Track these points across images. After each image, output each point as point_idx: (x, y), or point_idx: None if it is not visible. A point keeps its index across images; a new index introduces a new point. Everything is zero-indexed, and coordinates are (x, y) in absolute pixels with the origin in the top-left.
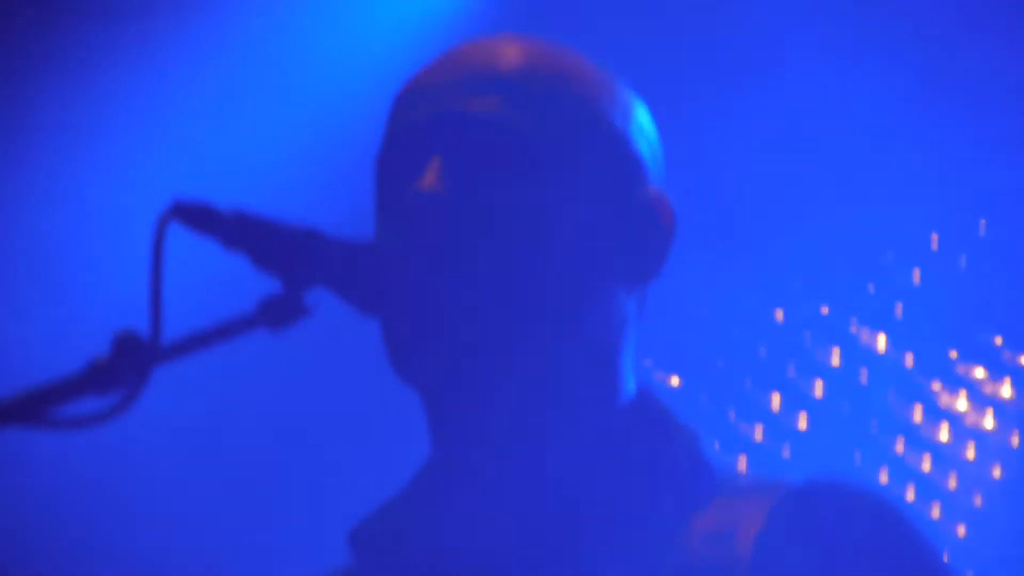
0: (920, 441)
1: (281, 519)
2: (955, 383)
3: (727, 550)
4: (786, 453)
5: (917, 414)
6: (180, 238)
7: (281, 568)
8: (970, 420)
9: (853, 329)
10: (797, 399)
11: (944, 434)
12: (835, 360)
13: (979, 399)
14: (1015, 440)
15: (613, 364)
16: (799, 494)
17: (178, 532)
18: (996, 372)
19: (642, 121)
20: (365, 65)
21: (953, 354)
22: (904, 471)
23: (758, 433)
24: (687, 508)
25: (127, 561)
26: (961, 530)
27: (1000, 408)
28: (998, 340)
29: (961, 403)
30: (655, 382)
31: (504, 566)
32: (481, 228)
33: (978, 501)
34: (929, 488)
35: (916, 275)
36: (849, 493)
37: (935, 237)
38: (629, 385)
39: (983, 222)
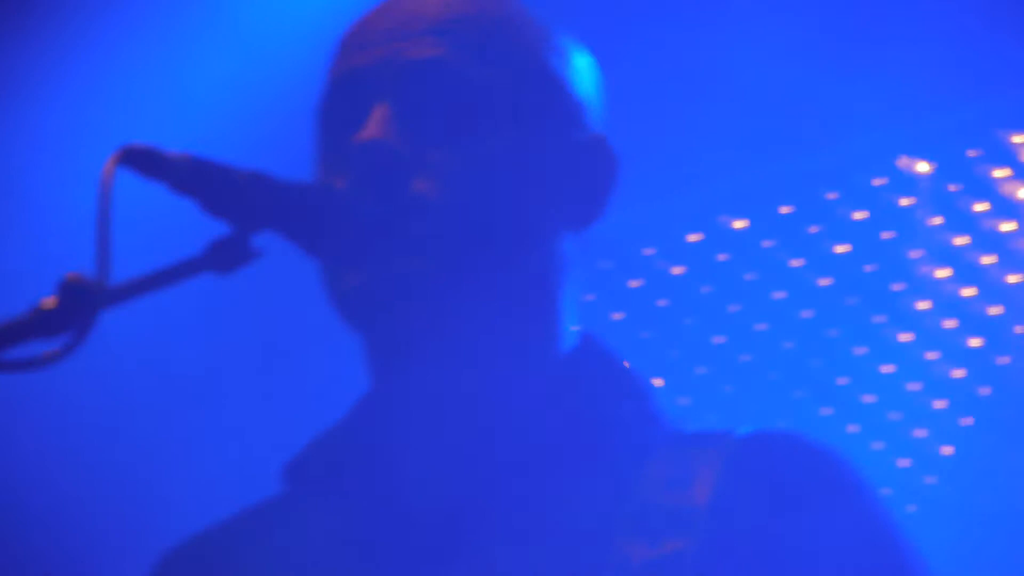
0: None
1: (221, 451)
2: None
3: (683, 498)
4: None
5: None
6: (128, 181)
7: (221, 499)
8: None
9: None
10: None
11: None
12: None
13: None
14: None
15: (553, 303)
16: (751, 443)
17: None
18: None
19: (580, 65)
20: (310, 7)
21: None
22: (845, 407)
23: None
24: (637, 455)
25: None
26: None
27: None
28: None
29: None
30: (602, 322)
31: (446, 505)
32: (425, 173)
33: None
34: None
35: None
36: (798, 442)
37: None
38: (571, 325)
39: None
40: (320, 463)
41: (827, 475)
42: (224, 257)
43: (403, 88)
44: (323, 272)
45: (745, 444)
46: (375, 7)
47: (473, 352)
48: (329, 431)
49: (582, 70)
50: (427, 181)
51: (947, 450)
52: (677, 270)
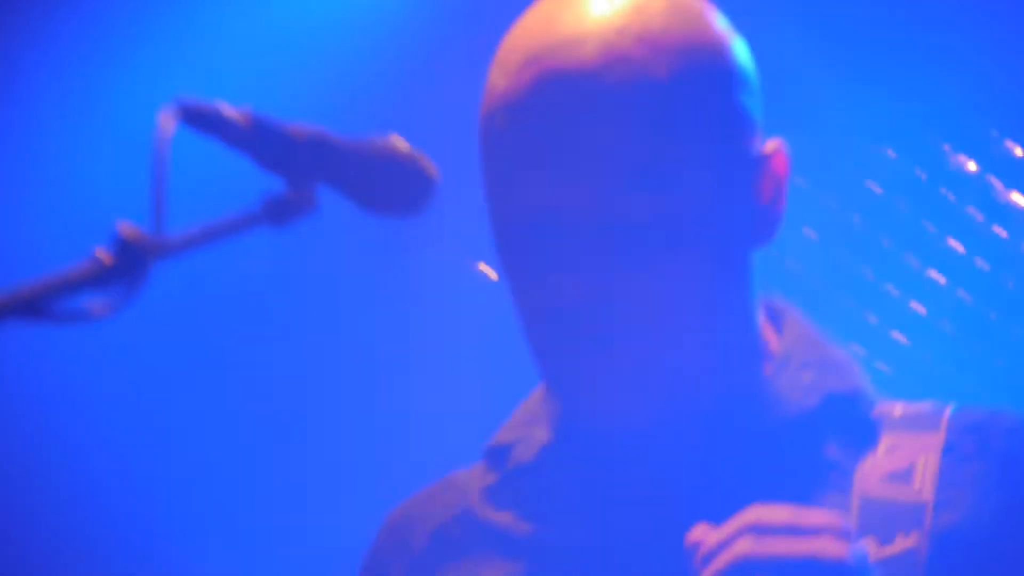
0: None
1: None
2: None
3: (907, 493)
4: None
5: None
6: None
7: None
8: None
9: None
10: None
11: None
12: None
13: None
14: None
15: (750, 323)
16: (967, 426)
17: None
18: None
19: (740, 65)
20: None
21: None
22: None
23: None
24: (853, 447)
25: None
26: None
27: None
28: None
29: None
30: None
31: (663, 521)
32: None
33: None
34: None
35: None
36: (1014, 421)
37: None
38: (758, 331)
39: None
40: (522, 491)
41: None
42: (279, 211)
43: (594, 126)
44: (513, 292)
45: (960, 427)
46: (519, 65)
47: (669, 379)
48: (530, 461)
49: (742, 71)
50: (617, 247)
51: None
52: None
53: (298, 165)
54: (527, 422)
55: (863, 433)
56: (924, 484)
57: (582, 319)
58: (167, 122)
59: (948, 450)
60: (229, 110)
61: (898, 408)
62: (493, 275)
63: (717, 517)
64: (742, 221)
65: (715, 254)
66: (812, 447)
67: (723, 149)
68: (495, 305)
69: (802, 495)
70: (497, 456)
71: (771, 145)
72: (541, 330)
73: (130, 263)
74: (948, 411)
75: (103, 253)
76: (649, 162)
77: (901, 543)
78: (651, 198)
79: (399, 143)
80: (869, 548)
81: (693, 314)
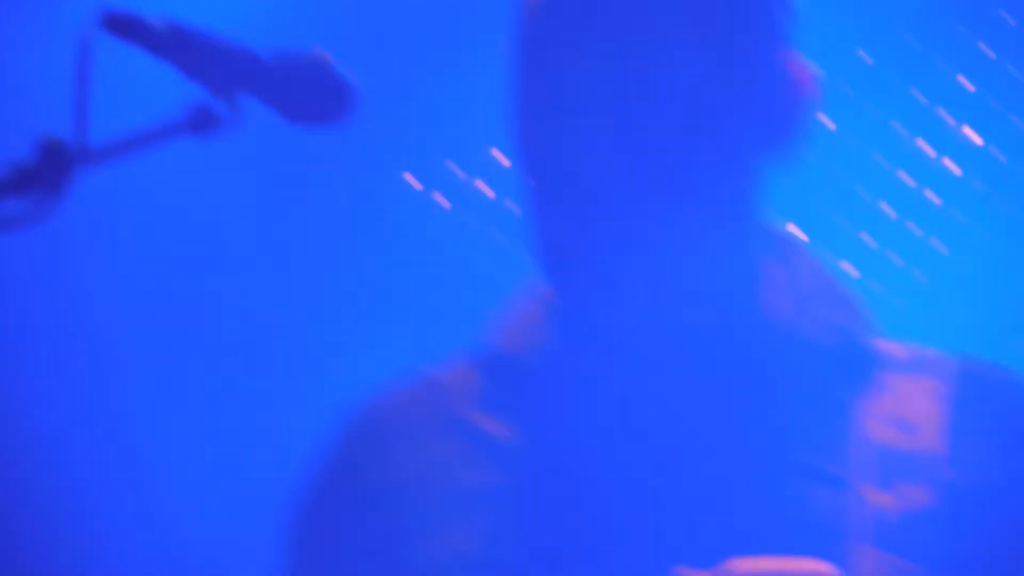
0: None
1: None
2: None
3: (911, 441)
4: None
5: None
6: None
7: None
8: None
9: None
10: None
11: None
12: None
13: None
14: None
15: (751, 229)
16: (973, 382)
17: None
18: None
19: None
20: None
21: None
22: None
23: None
24: (854, 383)
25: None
26: None
27: None
28: None
29: None
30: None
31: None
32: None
33: None
34: None
35: None
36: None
37: None
38: (763, 243)
39: None
40: (515, 396)
41: None
42: (202, 121)
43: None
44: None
45: (966, 380)
46: None
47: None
48: (526, 366)
49: None
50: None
51: None
52: None
53: (221, 75)
54: (521, 324)
55: (869, 372)
56: (931, 435)
57: (595, 225)
58: (91, 31)
59: (957, 405)
60: (153, 19)
61: (901, 350)
62: (418, 185)
63: (717, 453)
64: (759, 134)
65: (729, 165)
66: (821, 383)
67: (748, 58)
68: (417, 214)
69: (805, 431)
70: (490, 358)
71: (798, 64)
72: (550, 237)
73: (53, 171)
74: (954, 362)
75: (25, 163)
76: (670, 63)
77: (907, 494)
78: (668, 103)
79: (320, 55)
80: (868, 495)
81: (702, 226)
